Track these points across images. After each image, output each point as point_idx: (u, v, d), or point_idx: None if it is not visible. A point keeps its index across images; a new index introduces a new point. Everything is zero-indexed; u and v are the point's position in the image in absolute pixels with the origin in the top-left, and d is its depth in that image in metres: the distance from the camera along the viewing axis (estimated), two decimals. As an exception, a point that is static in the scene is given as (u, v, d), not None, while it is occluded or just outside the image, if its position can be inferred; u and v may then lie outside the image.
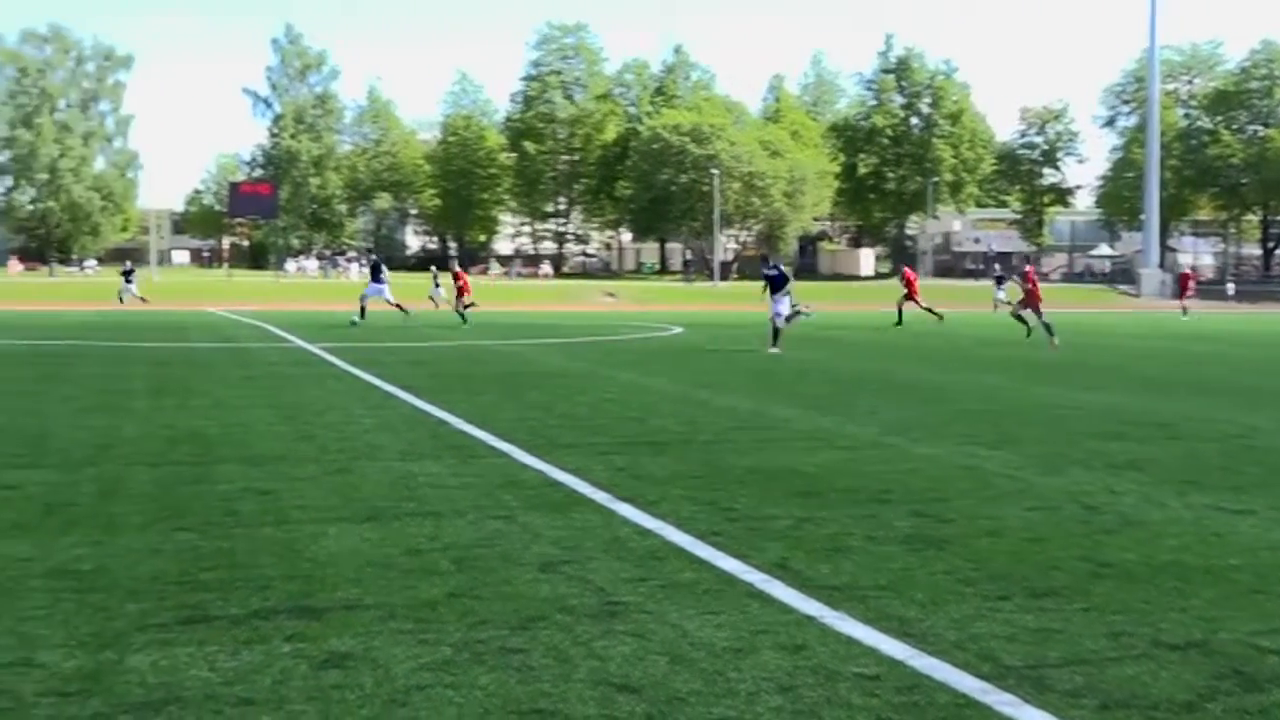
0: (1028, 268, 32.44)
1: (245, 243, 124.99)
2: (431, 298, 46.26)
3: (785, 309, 24.95)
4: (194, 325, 33.67)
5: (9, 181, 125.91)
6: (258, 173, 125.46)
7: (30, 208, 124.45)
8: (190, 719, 3.99)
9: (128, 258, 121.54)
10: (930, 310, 38.36)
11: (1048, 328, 27.47)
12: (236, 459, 9.47)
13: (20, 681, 4.31)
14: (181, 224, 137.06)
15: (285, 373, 18.04)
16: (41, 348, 23.42)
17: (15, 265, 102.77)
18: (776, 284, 25.03)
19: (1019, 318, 30.05)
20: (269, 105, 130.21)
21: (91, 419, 11.90)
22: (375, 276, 34.49)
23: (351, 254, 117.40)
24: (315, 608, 5.30)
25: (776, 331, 24.56)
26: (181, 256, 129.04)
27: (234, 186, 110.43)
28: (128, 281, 48.87)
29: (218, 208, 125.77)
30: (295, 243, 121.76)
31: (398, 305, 34.18)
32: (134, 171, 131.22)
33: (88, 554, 6.23)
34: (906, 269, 42.50)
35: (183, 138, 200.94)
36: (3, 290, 63.17)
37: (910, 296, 37.95)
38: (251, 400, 13.99)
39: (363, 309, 33.35)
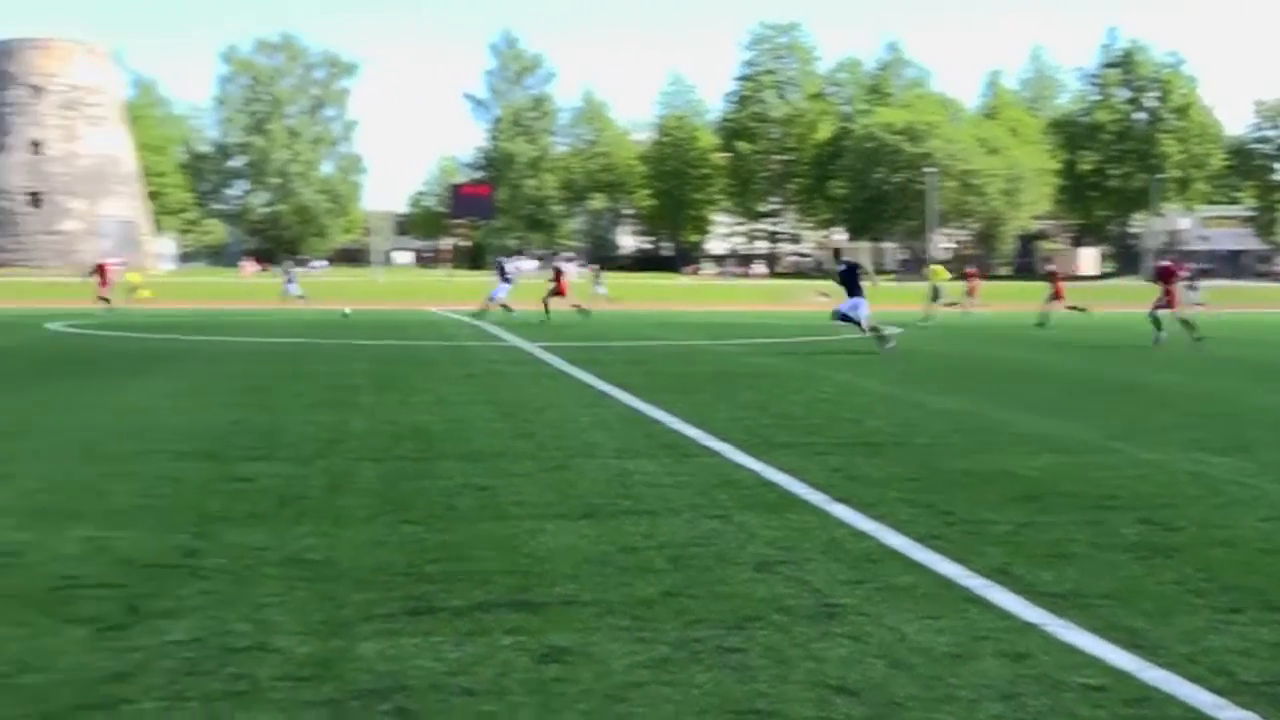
0: (1166, 262, 30.89)
1: (466, 243, 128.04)
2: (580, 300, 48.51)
3: (865, 310, 24.14)
4: (415, 324, 34.58)
5: (245, 185, 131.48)
6: (477, 175, 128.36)
7: (264, 210, 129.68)
8: (416, 707, 4.10)
9: (352, 258, 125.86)
10: (1072, 308, 37.30)
11: (1157, 323, 26.44)
12: (457, 455, 9.69)
13: (257, 665, 4.49)
14: (405, 225, 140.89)
15: (504, 371, 18.39)
16: (274, 345, 24.34)
17: (250, 266, 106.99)
18: (849, 281, 24.34)
19: (1171, 320, 28.89)
20: (487, 108, 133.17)
21: (320, 414, 12.31)
22: (503, 276, 37.63)
23: (569, 254, 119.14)
24: (534, 602, 5.39)
25: (875, 329, 23.62)
26: (405, 257, 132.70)
27: (454, 189, 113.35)
28: (289, 281, 50.05)
29: (440, 209, 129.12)
30: (512, 243, 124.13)
31: (500, 304, 36.72)
32: (359, 174, 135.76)
33: (318, 544, 6.45)
34: (1053, 271, 41.47)
35: (407, 141, 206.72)
36: (239, 290, 65.85)
37: (1055, 297, 37.06)
38: (471, 397, 14.29)
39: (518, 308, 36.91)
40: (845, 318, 24.11)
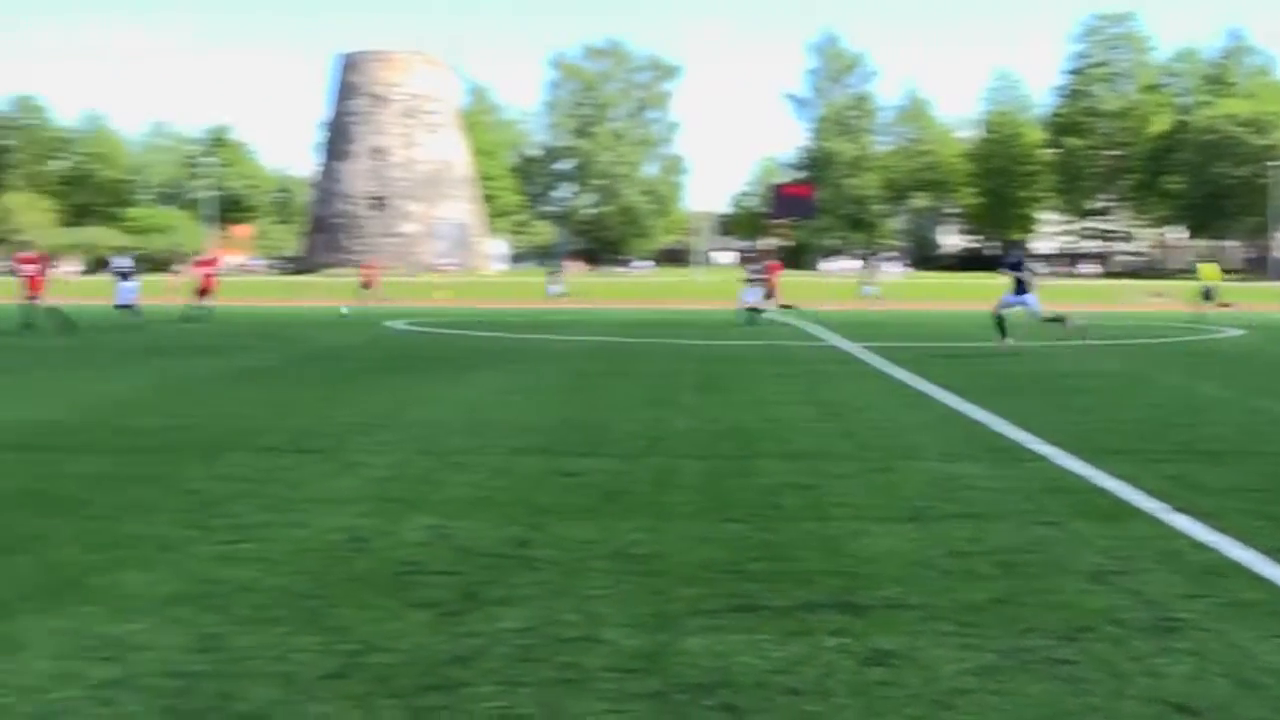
0: None
1: (788, 243, 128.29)
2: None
3: (1036, 305, 22.47)
4: (733, 323, 34.80)
5: (572, 187, 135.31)
6: (798, 174, 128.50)
7: (589, 212, 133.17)
8: (741, 703, 4.14)
9: (674, 258, 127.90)
10: None
11: None
12: (778, 454, 9.71)
13: (586, 656, 4.61)
14: (727, 225, 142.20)
15: (823, 370, 18.34)
16: (598, 344, 24.94)
17: (578, 265, 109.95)
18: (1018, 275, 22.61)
19: None
20: (809, 108, 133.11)
21: (644, 412, 12.54)
22: (749, 279, 37.99)
23: (890, 254, 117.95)
24: (858, 604, 5.35)
25: (1001, 320, 22.27)
26: (727, 257, 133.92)
27: (775, 188, 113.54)
28: (553, 279, 50.90)
29: (762, 209, 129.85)
30: (832, 243, 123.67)
31: (750, 306, 36.71)
32: (680, 175, 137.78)
33: (644, 539, 6.58)
34: None
35: (729, 142, 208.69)
36: (570, 290, 67.68)
37: None
38: (791, 397, 14.31)
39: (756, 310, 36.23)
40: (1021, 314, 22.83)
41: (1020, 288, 22.65)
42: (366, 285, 47.96)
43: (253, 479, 8.32)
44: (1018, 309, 22.95)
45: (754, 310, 35.91)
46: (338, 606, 5.25)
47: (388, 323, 33.59)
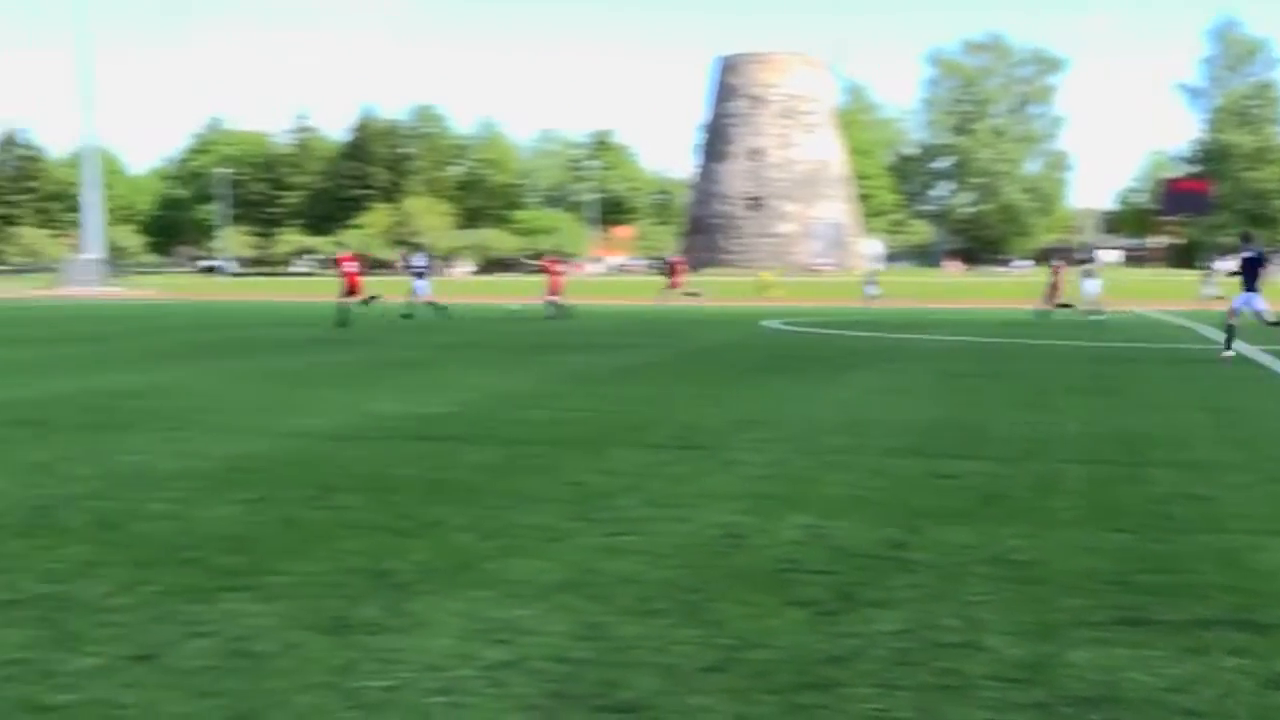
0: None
1: (1180, 241, 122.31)
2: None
3: (1263, 304, 19.72)
4: (1121, 324, 33.45)
5: (949, 186, 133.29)
6: (1191, 169, 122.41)
7: (967, 210, 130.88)
8: (1130, 720, 3.98)
9: (1055, 257, 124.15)
10: None
11: None
12: (1169, 462, 9.27)
13: (967, 662, 4.52)
14: (1113, 223, 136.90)
15: (1221, 373, 17.40)
16: (974, 344, 24.44)
17: (953, 265, 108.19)
18: (1248, 272, 19.82)
19: None
20: (1203, 98, 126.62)
21: (1024, 414, 12.21)
22: (1088, 275, 37.97)
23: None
24: (1260, 623, 5.05)
25: (1231, 329, 19.61)
26: (1112, 255, 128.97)
27: (1165, 184, 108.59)
28: (870, 286, 49.78)
29: (1150, 206, 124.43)
30: (1229, 240, 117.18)
31: (1063, 304, 36.21)
32: (1064, 172, 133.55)
33: (1024, 545, 6.40)
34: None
35: (1117, 136, 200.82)
36: (942, 290, 66.82)
37: None
38: (1184, 402, 13.64)
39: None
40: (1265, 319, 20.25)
41: (1251, 284, 20.12)
42: (674, 285, 48.36)
43: (636, 473, 8.54)
44: (1246, 312, 20.38)
45: (1047, 310, 35.92)
46: (717, 601, 5.33)
47: (763, 322, 33.91)
